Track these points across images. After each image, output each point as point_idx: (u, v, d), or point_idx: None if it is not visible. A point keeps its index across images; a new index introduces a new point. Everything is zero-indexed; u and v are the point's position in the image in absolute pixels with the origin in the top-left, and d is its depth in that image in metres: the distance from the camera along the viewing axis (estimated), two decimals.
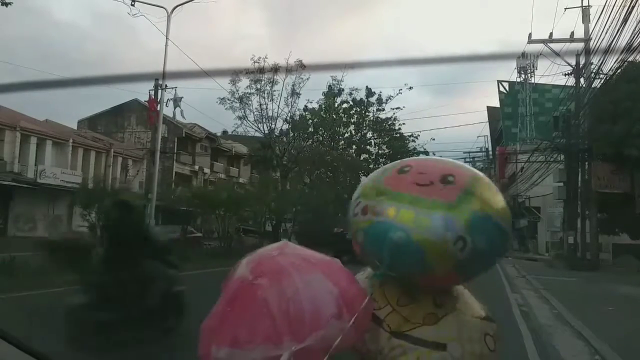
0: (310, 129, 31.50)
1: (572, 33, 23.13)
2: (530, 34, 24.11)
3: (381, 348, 1.81)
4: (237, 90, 27.71)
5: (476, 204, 1.81)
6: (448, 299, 1.91)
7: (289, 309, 1.62)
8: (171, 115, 27.73)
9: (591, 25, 22.27)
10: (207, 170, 40.77)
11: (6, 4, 11.33)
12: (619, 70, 18.26)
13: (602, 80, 19.70)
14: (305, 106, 31.19)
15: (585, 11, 22.71)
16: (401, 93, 31.31)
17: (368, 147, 36.07)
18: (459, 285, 2.02)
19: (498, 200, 1.88)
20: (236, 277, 1.81)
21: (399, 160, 2.08)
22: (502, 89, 52.39)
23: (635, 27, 14.03)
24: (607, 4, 19.56)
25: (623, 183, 21.55)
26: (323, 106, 32.08)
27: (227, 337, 1.63)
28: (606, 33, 16.48)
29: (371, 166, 34.47)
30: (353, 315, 1.75)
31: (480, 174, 2.00)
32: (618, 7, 15.02)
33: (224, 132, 40.28)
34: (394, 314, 1.85)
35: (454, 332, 1.79)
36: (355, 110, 33.77)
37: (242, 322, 1.63)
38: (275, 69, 25.78)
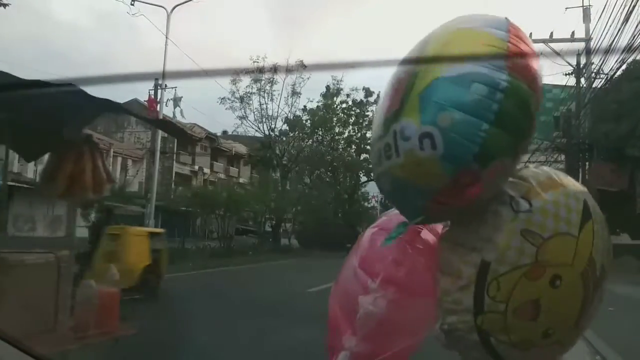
0: (307, 130, 31.51)
1: (573, 32, 23.12)
2: (530, 34, 24.08)
3: None
4: (238, 90, 27.77)
5: (422, 80, 1.81)
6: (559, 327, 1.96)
7: None
8: (171, 115, 27.73)
9: (592, 25, 22.28)
10: (207, 170, 40.77)
11: (4, 5, 11.40)
12: (620, 70, 18.26)
13: (603, 80, 19.70)
14: (304, 106, 31.20)
15: (586, 11, 22.70)
16: None
17: (368, 147, 36.09)
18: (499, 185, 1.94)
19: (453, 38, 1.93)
20: None
21: None
22: None
23: (637, 27, 14.03)
24: (607, 3, 19.58)
25: (621, 181, 21.49)
26: (321, 106, 32.08)
27: None
28: (607, 32, 16.50)
29: (371, 166, 34.40)
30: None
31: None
32: (619, 7, 15.02)
33: (224, 132, 40.30)
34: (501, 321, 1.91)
35: None
36: (354, 111, 33.83)
37: None
38: (275, 69, 25.82)
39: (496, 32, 1.81)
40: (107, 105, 3.84)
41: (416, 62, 1.89)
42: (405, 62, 1.98)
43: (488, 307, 1.84)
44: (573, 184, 2.11)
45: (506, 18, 1.92)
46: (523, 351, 1.94)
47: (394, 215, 2.36)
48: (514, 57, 1.78)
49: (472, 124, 1.71)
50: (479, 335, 1.88)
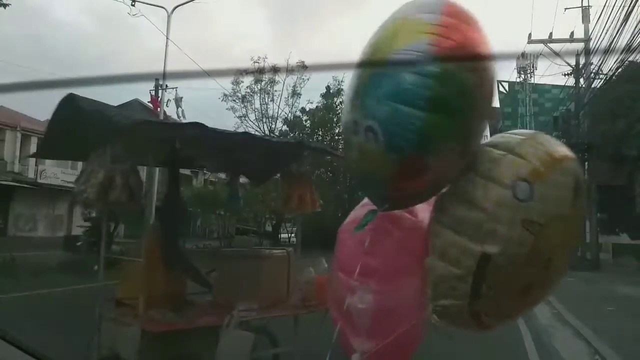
0: (307, 130, 31.54)
1: (572, 33, 23.11)
2: (530, 34, 24.08)
3: None
4: (240, 90, 27.78)
5: (363, 76, 1.96)
6: None
7: None
8: (174, 116, 27.70)
9: (591, 26, 22.26)
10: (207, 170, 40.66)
11: (4, 6, 11.40)
12: (619, 70, 18.25)
13: (602, 80, 19.69)
14: (303, 108, 31.23)
15: (585, 11, 22.68)
16: None
17: None
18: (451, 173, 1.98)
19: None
20: None
21: None
22: (501, 89, 52.35)
23: (635, 27, 14.03)
24: (607, 4, 19.60)
25: (620, 177, 21.45)
26: (321, 106, 32.08)
27: None
28: (606, 33, 16.50)
29: None
30: None
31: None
32: (618, 7, 15.02)
33: None
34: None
35: None
36: None
37: None
38: (276, 69, 25.84)
39: (426, 16, 1.82)
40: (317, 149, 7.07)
41: (416, 62, 1.90)
42: (405, 62, 1.98)
43: (484, 294, 1.88)
44: (566, 155, 2.04)
45: None
46: (508, 320, 2.09)
47: (362, 207, 2.44)
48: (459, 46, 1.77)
49: (406, 114, 1.73)
50: (471, 314, 1.94)
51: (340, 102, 32.72)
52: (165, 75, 19.86)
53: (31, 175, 26.19)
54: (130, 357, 3.27)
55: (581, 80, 22.72)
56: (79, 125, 3.54)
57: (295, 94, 28.78)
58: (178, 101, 24.14)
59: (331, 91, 31.98)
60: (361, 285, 2.13)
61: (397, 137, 1.77)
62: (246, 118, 28.66)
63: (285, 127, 30.10)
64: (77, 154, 4.47)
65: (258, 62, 26.00)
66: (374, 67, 1.86)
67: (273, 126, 28.99)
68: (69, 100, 3.34)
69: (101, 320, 3.67)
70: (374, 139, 1.79)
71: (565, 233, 1.93)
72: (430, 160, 1.82)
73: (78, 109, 3.32)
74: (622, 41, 15.07)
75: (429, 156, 1.81)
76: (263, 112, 28.63)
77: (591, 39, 21.88)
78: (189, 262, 4.52)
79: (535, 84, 47.62)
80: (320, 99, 31.86)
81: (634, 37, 14.22)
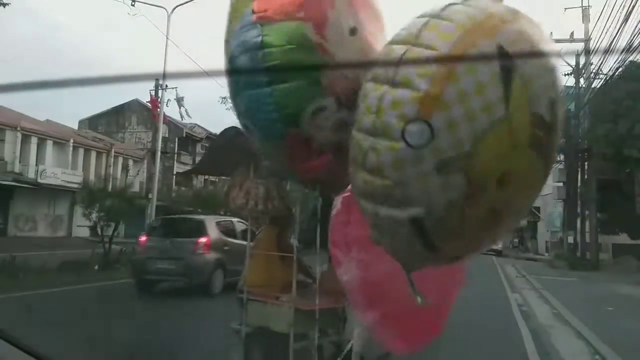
0: None
1: (572, 33, 23.12)
2: None
3: None
4: None
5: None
6: None
7: None
8: (175, 116, 27.68)
9: (591, 26, 22.28)
10: None
11: (3, 5, 11.39)
12: (619, 70, 18.27)
13: (602, 80, 19.72)
14: None
15: (585, 11, 22.70)
16: None
17: None
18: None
19: None
20: None
21: None
22: None
23: (636, 27, 14.03)
24: (607, 4, 19.63)
25: (619, 173, 21.43)
26: None
27: None
28: (606, 33, 16.50)
29: None
30: None
31: None
32: (618, 7, 15.03)
33: None
34: None
35: None
36: None
37: None
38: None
39: None
40: None
41: (416, 62, 1.85)
42: (405, 62, 1.95)
43: (440, 248, 1.69)
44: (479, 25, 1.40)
45: None
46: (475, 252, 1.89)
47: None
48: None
49: (257, 96, 1.56)
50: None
51: None
52: (165, 75, 19.90)
53: (31, 175, 26.19)
54: (284, 329, 3.99)
55: (581, 80, 22.74)
56: (237, 148, 4.35)
57: None
58: (180, 101, 24.09)
59: None
60: (344, 255, 2.13)
61: (261, 122, 1.61)
62: None
63: None
64: (228, 170, 5.36)
65: None
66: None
67: None
68: (230, 129, 4.31)
69: (247, 302, 4.37)
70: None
71: (513, 153, 1.41)
72: (307, 130, 1.62)
73: (239, 136, 3.99)
74: (622, 41, 15.08)
75: (302, 127, 1.61)
76: None
77: (591, 39, 21.89)
78: (300, 257, 5.24)
79: None
80: None
81: (634, 37, 14.22)
